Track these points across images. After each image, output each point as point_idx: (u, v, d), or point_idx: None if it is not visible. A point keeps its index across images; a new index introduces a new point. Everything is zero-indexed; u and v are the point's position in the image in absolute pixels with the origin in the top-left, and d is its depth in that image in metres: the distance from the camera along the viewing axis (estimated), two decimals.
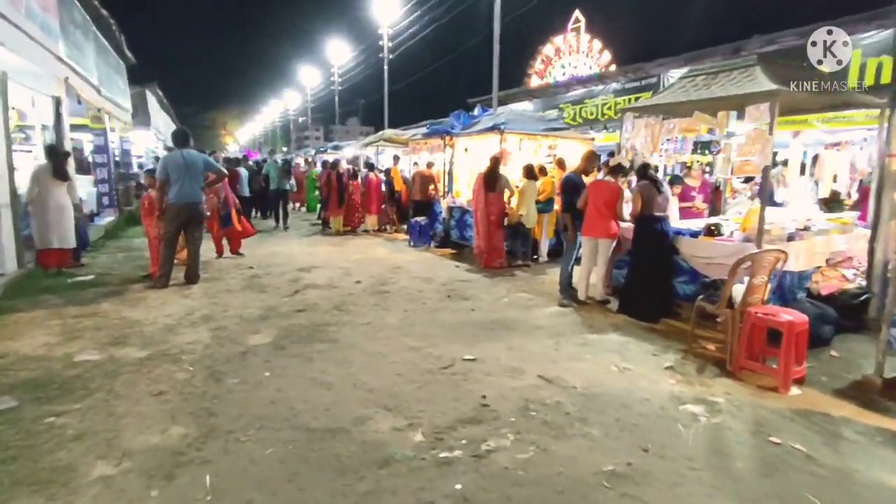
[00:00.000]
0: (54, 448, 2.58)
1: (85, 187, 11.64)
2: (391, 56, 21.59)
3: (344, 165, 11.53)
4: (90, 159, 11.82)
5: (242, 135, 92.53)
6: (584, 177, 5.78)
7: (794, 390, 3.56)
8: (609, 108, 16.84)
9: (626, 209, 5.40)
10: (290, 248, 9.25)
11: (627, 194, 5.53)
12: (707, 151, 7.32)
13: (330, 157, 19.40)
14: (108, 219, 11.09)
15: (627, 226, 5.45)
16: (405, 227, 11.64)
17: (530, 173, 7.71)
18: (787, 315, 3.63)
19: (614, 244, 5.45)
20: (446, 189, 9.88)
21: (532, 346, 4.28)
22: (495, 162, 7.50)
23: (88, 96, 9.45)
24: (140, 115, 18.95)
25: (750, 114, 4.20)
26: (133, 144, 18.81)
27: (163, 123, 24.63)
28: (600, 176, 5.75)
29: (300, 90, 47.21)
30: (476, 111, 10.03)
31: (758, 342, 3.85)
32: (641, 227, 5.10)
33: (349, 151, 18.25)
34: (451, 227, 9.40)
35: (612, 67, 22.97)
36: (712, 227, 4.96)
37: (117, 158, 14.10)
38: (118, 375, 3.49)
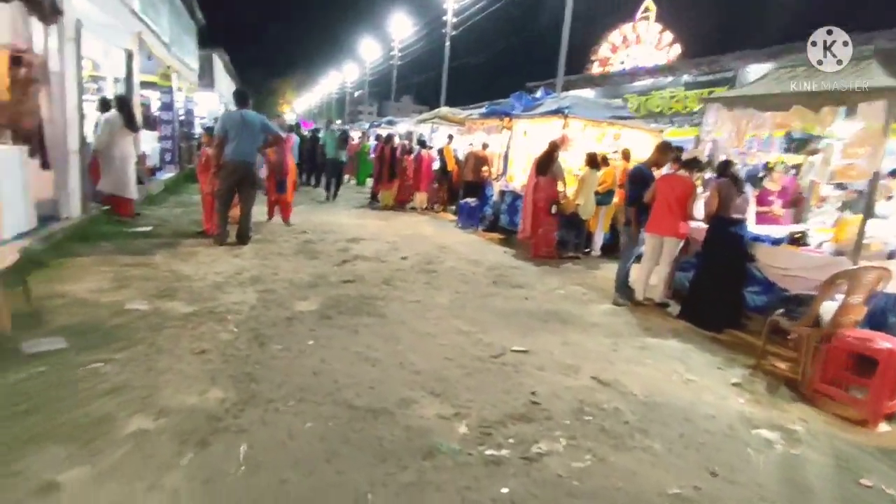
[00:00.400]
0: (90, 398, 2.53)
1: (149, 142, 12.04)
2: (453, 32, 21.12)
3: (397, 141, 11.37)
4: (156, 115, 12.19)
5: (299, 105, 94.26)
6: (654, 169, 5.38)
7: (884, 426, 3.17)
8: (677, 102, 15.95)
9: (698, 208, 4.99)
10: (340, 218, 9.23)
11: (699, 190, 5.12)
12: (800, 152, 6.66)
13: (384, 132, 19.39)
14: (168, 174, 11.43)
15: (696, 225, 5.05)
16: (453, 207, 11.46)
17: (593, 162, 7.31)
18: (887, 342, 3.22)
19: (681, 244, 5.06)
20: (500, 172, 9.58)
21: (587, 344, 4.02)
22: (553, 146, 7.15)
23: (159, 53, 9.67)
24: (206, 77, 19.47)
25: (863, 112, 3.72)
26: (197, 105, 19.36)
27: (226, 87, 25.27)
28: (666, 170, 5.31)
29: (359, 63, 47.34)
30: (538, 94, 9.63)
31: (839, 367, 3.45)
32: (715, 228, 4.69)
33: (403, 127, 18.12)
34: (502, 211, 9.12)
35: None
36: (797, 236, 4.50)
37: (182, 117, 14.51)
38: (162, 329, 3.47)
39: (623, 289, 5.35)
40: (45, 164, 5.12)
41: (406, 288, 5.05)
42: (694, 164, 5.03)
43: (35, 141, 4.90)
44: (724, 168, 4.69)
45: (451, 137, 12.99)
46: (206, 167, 6.42)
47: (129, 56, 7.81)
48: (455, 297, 4.93)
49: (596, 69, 27.85)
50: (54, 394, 2.55)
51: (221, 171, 5.94)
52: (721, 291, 4.63)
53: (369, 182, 13.78)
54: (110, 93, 8.30)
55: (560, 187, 7.23)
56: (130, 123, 6.94)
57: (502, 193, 9.11)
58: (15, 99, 4.57)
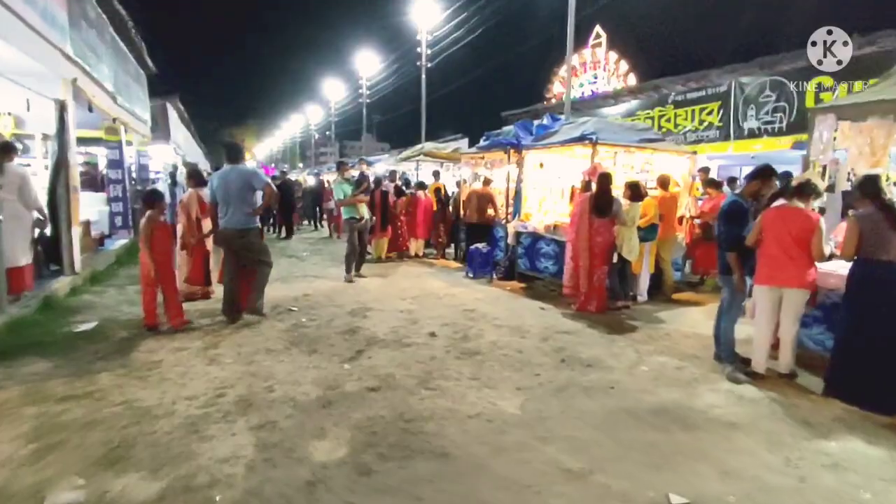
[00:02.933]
0: None
1: (96, 206, 10.46)
2: (428, 64, 20.21)
3: (386, 184, 10.12)
4: (104, 174, 10.62)
5: (260, 150, 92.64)
6: (752, 200, 4.25)
7: None
8: (668, 121, 15.35)
9: (821, 246, 3.86)
10: (329, 280, 7.80)
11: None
12: None
13: (355, 172, 18.21)
14: (121, 241, 9.81)
15: (827, 268, 3.92)
16: (450, 250, 10.20)
17: (636, 193, 6.21)
18: None
19: (808, 296, 3.90)
20: (510, 211, 8.41)
21: (752, 467, 2.73)
22: (607, 180, 6.01)
23: (102, 103, 8.22)
24: (160, 129, 17.90)
25: None
26: (152, 160, 17.76)
27: (183, 138, 23.64)
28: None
29: (323, 104, 46.36)
30: (544, 120, 8.59)
31: None
32: (863, 273, 3.55)
33: (381, 167, 16.95)
34: (519, 255, 7.92)
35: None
36: None
37: (134, 174, 12.94)
38: None
39: (732, 357, 4.12)
40: None
41: (453, 391, 3.67)
42: (809, 191, 3.91)
43: None
44: (869, 191, 3.56)
45: (437, 174, 11.86)
46: (151, 238, 4.74)
47: (62, 107, 6.36)
48: (522, 399, 3.57)
49: (558, 89, 27.97)
50: None
51: (218, 242, 5.37)
52: (884, 358, 3.45)
53: None
54: (39, 152, 6.77)
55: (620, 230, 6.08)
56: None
57: (518, 235, 7.91)
58: None
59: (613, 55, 26.72)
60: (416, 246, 10.03)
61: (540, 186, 8.09)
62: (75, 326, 4.81)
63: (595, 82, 27.77)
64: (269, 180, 5.70)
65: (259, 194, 5.38)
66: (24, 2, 5.17)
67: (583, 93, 26.76)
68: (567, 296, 6.33)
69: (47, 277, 6.20)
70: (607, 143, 6.60)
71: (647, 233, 6.44)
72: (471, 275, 8.29)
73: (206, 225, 5.85)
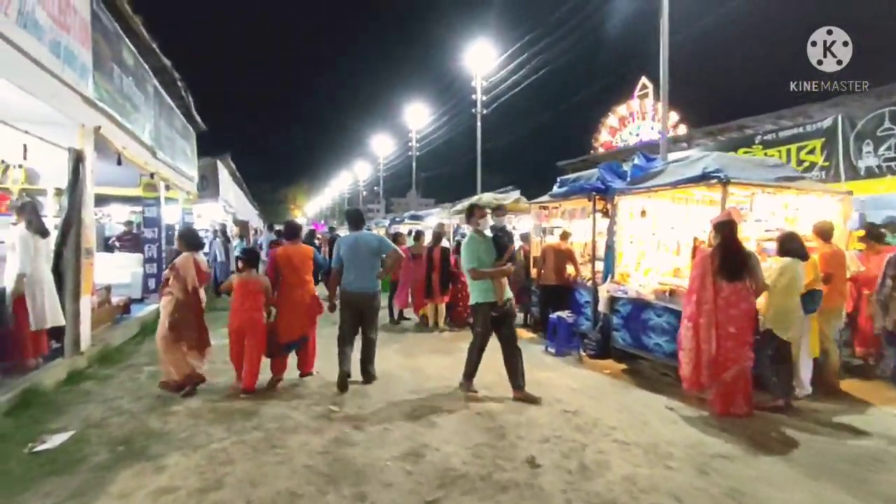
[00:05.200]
0: None
1: (132, 267, 9.65)
2: (484, 111, 19.33)
3: (445, 242, 8.78)
4: (138, 234, 9.89)
5: (310, 208, 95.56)
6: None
7: None
8: (808, 153, 13.53)
9: None
10: (378, 356, 6.34)
11: None
12: None
13: (403, 229, 17.13)
14: (151, 307, 8.82)
15: None
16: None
17: (793, 247, 4.55)
18: None
19: None
20: (598, 270, 6.84)
21: None
22: (731, 228, 4.44)
23: (136, 157, 7.43)
24: (209, 187, 17.67)
25: None
26: (199, 217, 17.40)
27: (234, 196, 23.65)
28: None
29: (371, 160, 46.96)
30: (636, 160, 7.11)
31: None
32: None
33: (432, 221, 15.81)
34: (615, 327, 6.26)
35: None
36: None
37: (175, 231, 12.28)
38: None
39: None
40: None
41: None
42: None
43: None
44: None
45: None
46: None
47: (77, 158, 5.47)
48: None
49: (605, 138, 27.10)
50: None
51: (340, 303, 5.16)
52: None
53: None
54: (51, 211, 5.86)
55: (761, 298, 4.43)
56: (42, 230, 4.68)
57: (613, 301, 6.29)
58: None
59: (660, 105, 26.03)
60: None
61: (638, 239, 6.50)
62: (41, 440, 3.51)
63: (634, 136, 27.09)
64: (396, 246, 5.57)
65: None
66: (17, 25, 4.27)
67: (639, 140, 25.83)
68: (688, 390, 4.59)
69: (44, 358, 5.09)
70: (741, 183, 5.01)
71: (806, 301, 4.69)
72: (552, 350, 6.65)
73: (203, 296, 4.96)
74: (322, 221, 62.06)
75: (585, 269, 7.27)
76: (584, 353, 6.47)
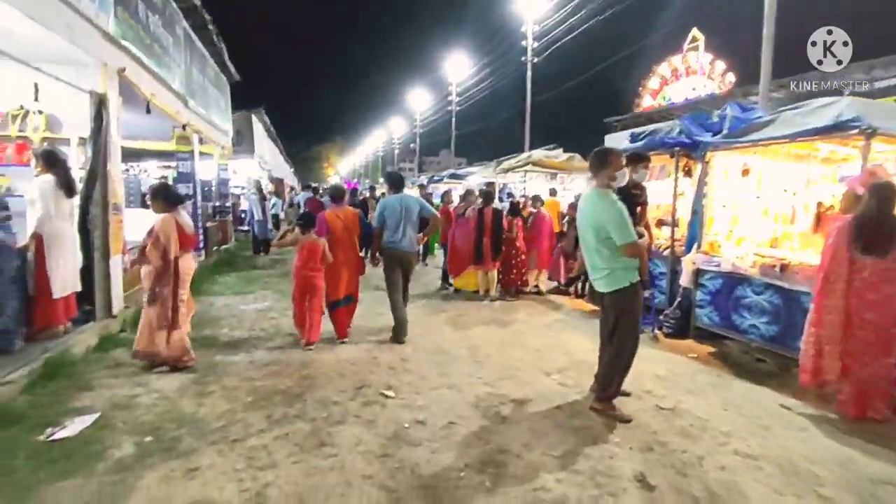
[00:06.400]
0: None
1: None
2: (535, 60, 17.78)
3: (499, 203, 7.99)
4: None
5: (343, 166, 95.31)
6: None
7: None
8: None
9: None
10: (425, 327, 5.77)
11: None
12: None
13: (444, 188, 16.28)
14: None
15: None
16: (566, 285, 7.81)
17: None
18: None
19: None
20: (680, 238, 5.99)
21: None
22: (891, 192, 3.51)
23: (164, 103, 6.85)
24: (244, 143, 17.15)
25: None
26: (235, 174, 17.00)
27: (269, 152, 23.20)
28: None
29: (406, 117, 45.64)
30: (729, 110, 6.06)
31: None
32: None
33: (474, 180, 14.95)
34: (699, 303, 5.45)
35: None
36: None
37: (212, 187, 11.88)
38: None
39: None
40: None
41: None
42: None
43: None
44: None
45: (554, 192, 9.63)
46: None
47: (100, 102, 4.89)
48: None
49: (646, 102, 25.43)
50: None
51: (384, 260, 5.34)
52: None
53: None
54: (75, 162, 5.35)
55: None
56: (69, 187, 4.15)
57: (698, 275, 5.45)
58: None
59: (707, 57, 24.25)
60: (536, 279, 7.78)
61: (733, 203, 5.57)
62: (61, 424, 3.04)
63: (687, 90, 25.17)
64: (435, 211, 5.96)
65: None
66: None
67: (672, 101, 24.15)
68: (806, 385, 3.79)
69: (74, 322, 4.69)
70: (890, 135, 4.02)
71: None
72: None
73: (189, 264, 4.21)
74: (356, 180, 61.64)
75: (659, 235, 6.40)
76: (659, 332, 5.71)
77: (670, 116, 17.65)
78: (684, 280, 5.64)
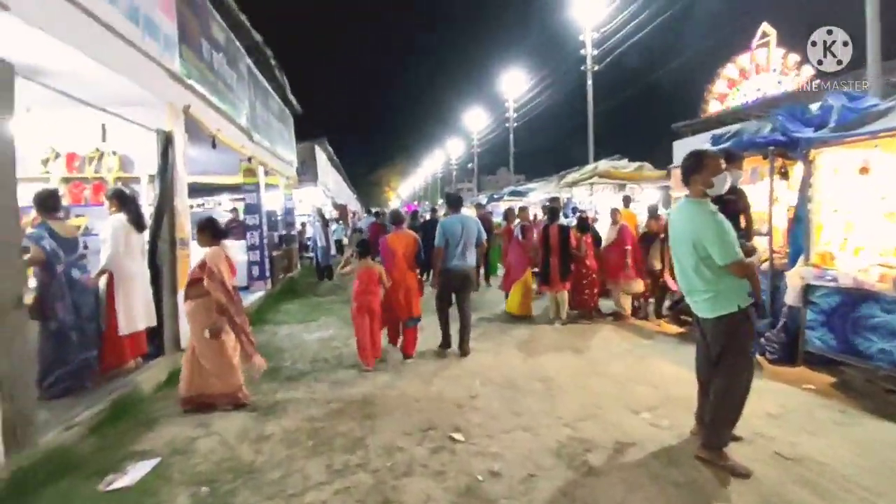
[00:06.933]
0: None
1: (234, 255, 9.54)
2: (595, 67, 17.11)
3: (565, 218, 7.51)
4: (242, 221, 9.73)
5: (403, 189, 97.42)
6: None
7: None
8: None
9: None
10: (492, 354, 5.37)
11: None
12: None
13: (505, 206, 15.89)
14: (255, 295, 8.61)
15: None
16: (651, 305, 7.11)
17: None
18: None
19: None
20: (781, 249, 5.26)
21: None
22: None
23: (230, 138, 7.03)
24: (308, 172, 17.73)
25: None
26: (301, 202, 17.53)
27: (332, 180, 23.94)
28: None
29: (462, 136, 45.84)
30: (830, 101, 5.32)
31: None
32: None
33: (535, 196, 14.49)
34: (810, 325, 4.69)
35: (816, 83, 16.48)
36: None
37: (278, 217, 12.19)
38: None
39: None
40: None
41: None
42: None
43: None
44: None
45: (627, 199, 8.99)
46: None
47: (166, 140, 5.01)
48: None
49: (713, 108, 23.69)
50: None
51: (440, 282, 5.52)
52: None
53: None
54: (144, 199, 5.50)
55: None
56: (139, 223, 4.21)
57: (807, 291, 4.71)
58: None
59: (780, 53, 22.37)
60: (624, 301, 7.14)
61: (846, 207, 4.81)
62: (122, 471, 2.93)
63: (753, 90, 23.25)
64: (484, 238, 5.83)
65: None
66: None
67: (746, 101, 22.37)
68: None
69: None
70: None
71: None
72: None
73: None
74: (416, 202, 62.56)
75: (758, 245, 5.67)
76: (762, 357, 4.98)
77: (744, 118, 16.34)
78: (790, 298, 4.90)
